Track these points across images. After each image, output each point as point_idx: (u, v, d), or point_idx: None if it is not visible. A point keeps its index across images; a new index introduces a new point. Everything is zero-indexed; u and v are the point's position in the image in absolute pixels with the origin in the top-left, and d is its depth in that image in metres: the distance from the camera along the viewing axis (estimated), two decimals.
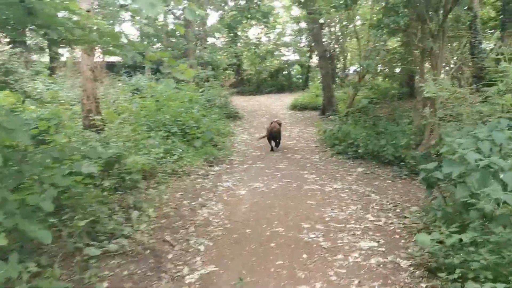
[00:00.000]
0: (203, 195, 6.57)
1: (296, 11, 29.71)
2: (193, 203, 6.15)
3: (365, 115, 11.51)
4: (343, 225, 5.20)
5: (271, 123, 9.96)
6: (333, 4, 9.64)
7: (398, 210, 5.68)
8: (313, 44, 29.67)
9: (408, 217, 5.30)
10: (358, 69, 18.76)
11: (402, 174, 7.37)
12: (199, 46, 19.86)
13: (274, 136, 9.78)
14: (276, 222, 5.33)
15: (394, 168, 7.75)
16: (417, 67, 8.25)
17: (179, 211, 5.82)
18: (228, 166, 8.43)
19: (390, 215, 5.50)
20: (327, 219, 5.43)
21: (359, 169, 7.92)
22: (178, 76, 3.54)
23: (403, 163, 7.66)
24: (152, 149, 7.67)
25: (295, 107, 18.36)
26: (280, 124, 10.01)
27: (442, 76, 7.34)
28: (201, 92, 14.31)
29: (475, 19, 13.50)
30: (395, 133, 8.08)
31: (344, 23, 13.24)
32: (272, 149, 9.90)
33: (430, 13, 6.86)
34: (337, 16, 12.55)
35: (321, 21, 14.25)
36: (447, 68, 15.06)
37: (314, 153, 9.61)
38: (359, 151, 8.69)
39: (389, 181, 7.13)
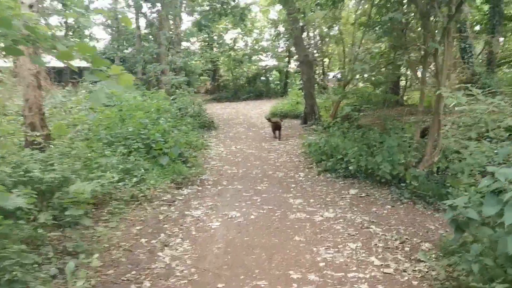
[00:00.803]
0: (167, 229, 5.33)
1: (274, 14, 28.87)
2: (152, 242, 4.91)
3: (352, 124, 10.48)
4: (342, 273, 4.06)
5: (269, 119, 13.23)
6: (317, 2, 8.59)
7: (407, 249, 4.58)
8: (292, 48, 28.81)
9: (423, 261, 4.20)
10: (339, 75, 17.87)
11: (403, 197, 6.32)
12: (172, 50, 18.58)
13: (277, 128, 12.58)
14: (257, 271, 4.14)
15: (392, 189, 6.70)
16: (414, 72, 7.24)
17: (133, 254, 4.56)
18: (200, 188, 7.20)
19: (399, 257, 4.40)
20: (321, 264, 4.28)
21: (352, 191, 6.82)
22: (110, 85, 2.34)
23: (403, 184, 6.62)
24: (107, 170, 6.41)
25: (275, 115, 17.21)
26: (282, 120, 13.02)
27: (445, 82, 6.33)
28: (172, 100, 13.04)
29: (465, 22, 12.73)
30: (392, 148, 7.01)
31: (327, 25, 12.14)
32: (275, 137, 12.53)
33: (434, 8, 5.85)
34: (319, 18, 11.51)
35: (301, 23, 13.22)
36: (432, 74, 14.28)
37: (299, 169, 8.48)
38: (350, 168, 7.61)
39: (389, 207, 6.06)
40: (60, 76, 20.01)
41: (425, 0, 5.72)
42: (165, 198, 6.47)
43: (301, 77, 14.40)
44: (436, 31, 6.17)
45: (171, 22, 20.29)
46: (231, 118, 17.60)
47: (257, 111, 20.01)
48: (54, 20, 23.83)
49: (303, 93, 20.64)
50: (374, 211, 5.89)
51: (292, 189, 7.05)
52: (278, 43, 29.46)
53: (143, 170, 6.99)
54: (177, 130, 9.81)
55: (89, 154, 6.65)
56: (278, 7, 29.25)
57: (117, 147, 7.62)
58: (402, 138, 7.72)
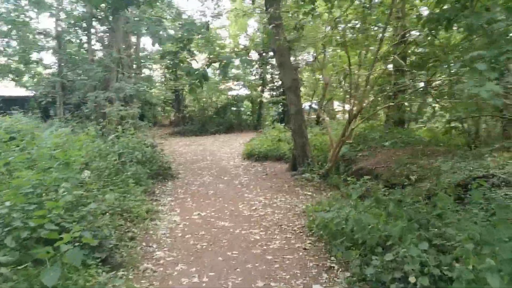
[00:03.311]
0: None
1: (243, 40, 26.11)
2: None
3: (375, 178, 7.06)
4: None
5: None
6: None
7: None
8: (267, 75, 25.68)
9: None
10: (314, 105, 14.57)
11: None
12: (121, 75, 14.88)
13: None
14: None
15: None
16: None
17: None
18: None
19: None
20: None
21: None
22: None
23: None
24: None
25: (251, 156, 13.63)
26: None
27: None
28: (109, 141, 9.23)
29: None
30: (506, 246, 3.52)
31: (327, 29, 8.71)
32: None
33: None
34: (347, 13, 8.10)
35: (289, 36, 9.93)
36: None
37: (310, 273, 4.80)
38: (411, 279, 4.04)
39: None
40: None
41: None
42: None
43: (289, 108, 10.96)
44: None
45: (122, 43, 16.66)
46: (196, 160, 13.88)
47: (228, 149, 16.39)
48: None
49: (283, 127, 17.34)
50: None
51: None
52: (251, 71, 26.44)
53: None
54: (102, 194, 6.02)
55: None
56: (250, 30, 26.38)
57: None
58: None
